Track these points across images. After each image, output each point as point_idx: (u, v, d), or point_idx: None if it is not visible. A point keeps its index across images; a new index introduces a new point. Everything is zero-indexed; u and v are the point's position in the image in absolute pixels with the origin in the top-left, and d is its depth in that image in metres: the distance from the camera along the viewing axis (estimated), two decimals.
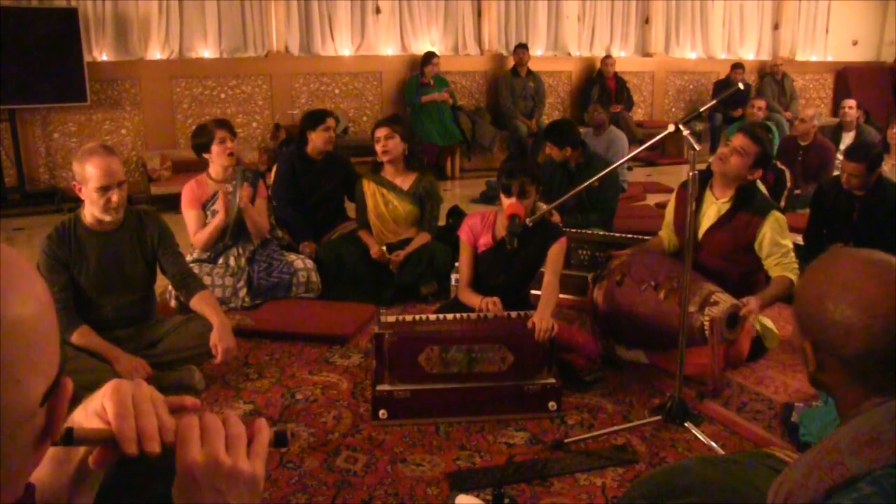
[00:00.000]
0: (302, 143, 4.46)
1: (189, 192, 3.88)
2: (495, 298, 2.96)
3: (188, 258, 3.88)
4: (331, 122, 4.46)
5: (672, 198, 3.51)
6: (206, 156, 3.88)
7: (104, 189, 2.68)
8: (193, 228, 3.86)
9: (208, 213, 3.86)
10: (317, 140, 4.39)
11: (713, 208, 3.24)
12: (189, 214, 3.87)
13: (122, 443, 0.75)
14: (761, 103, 6.99)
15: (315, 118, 4.42)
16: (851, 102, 7.02)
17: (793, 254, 3.11)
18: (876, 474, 0.96)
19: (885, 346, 1.05)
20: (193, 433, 0.77)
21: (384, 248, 4.04)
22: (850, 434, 1.03)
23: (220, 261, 3.87)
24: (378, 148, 4.10)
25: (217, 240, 3.87)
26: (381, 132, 4.10)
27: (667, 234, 3.52)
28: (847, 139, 6.65)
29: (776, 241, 3.08)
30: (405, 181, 4.17)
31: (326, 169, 4.45)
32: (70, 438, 0.72)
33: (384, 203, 4.16)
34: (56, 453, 0.83)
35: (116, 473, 1.21)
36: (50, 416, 0.67)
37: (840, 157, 6.17)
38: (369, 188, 4.17)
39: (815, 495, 1.02)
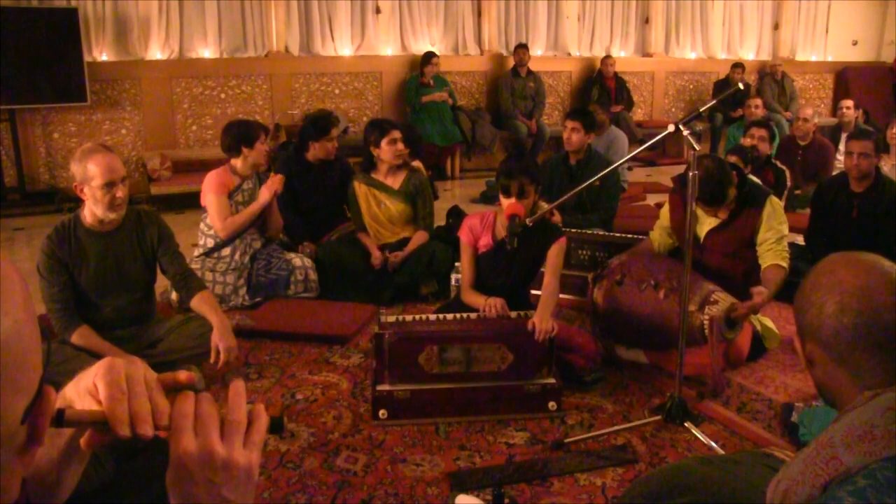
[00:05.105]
0: (302, 148, 4.45)
1: (217, 178, 3.87)
2: (501, 300, 2.95)
3: (197, 250, 3.93)
4: (334, 132, 4.45)
5: (666, 202, 3.51)
6: (245, 150, 3.86)
7: (109, 185, 2.68)
8: (222, 214, 3.82)
9: (232, 203, 3.88)
10: (319, 150, 4.38)
11: (709, 215, 3.25)
12: (217, 200, 3.83)
13: (114, 425, 0.73)
14: (758, 101, 7.01)
15: (319, 129, 4.38)
16: (849, 102, 7.05)
17: (786, 241, 3.11)
18: (870, 468, 0.97)
19: (855, 321, 1.09)
20: (187, 421, 0.75)
21: (387, 255, 4.03)
22: (844, 429, 1.05)
23: (227, 251, 3.88)
24: (394, 150, 4.08)
25: (246, 226, 3.87)
26: (398, 134, 4.11)
27: (658, 235, 3.51)
28: (845, 139, 6.67)
29: (771, 225, 3.09)
30: (395, 180, 4.17)
31: (325, 174, 4.45)
32: (61, 420, 0.71)
33: (377, 204, 4.17)
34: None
35: (116, 473, 1.20)
36: (32, 428, 0.65)
37: (840, 157, 6.18)
38: (361, 190, 4.17)
39: (813, 490, 1.03)
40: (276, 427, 0.83)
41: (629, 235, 3.98)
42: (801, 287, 1.20)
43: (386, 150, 4.09)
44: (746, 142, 4.96)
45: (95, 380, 0.76)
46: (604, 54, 8.74)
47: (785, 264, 3.02)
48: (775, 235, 3.08)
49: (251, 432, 0.78)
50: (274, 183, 3.89)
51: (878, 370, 1.08)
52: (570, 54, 9.00)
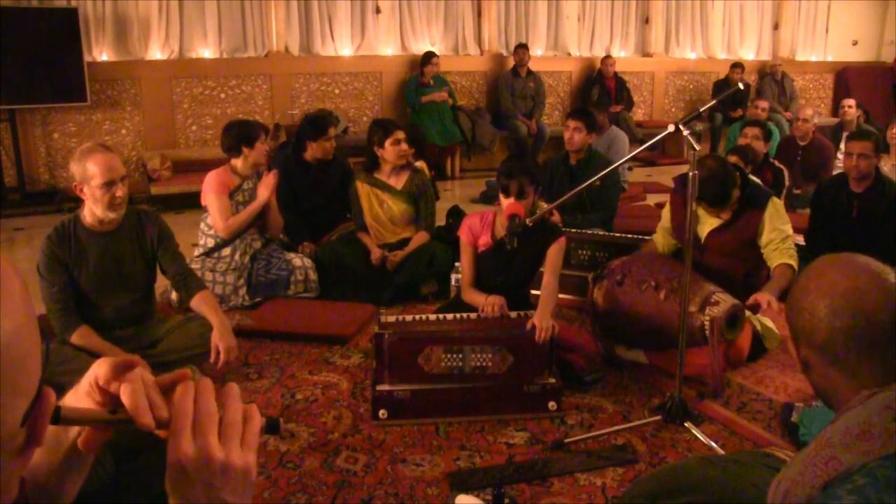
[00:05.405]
0: (299, 148, 4.44)
1: (217, 178, 3.87)
2: (501, 299, 2.95)
3: (197, 250, 3.93)
4: (332, 131, 4.45)
5: (667, 203, 3.52)
6: (246, 150, 3.87)
7: (109, 184, 2.68)
8: (223, 214, 3.81)
9: (233, 203, 3.88)
10: (316, 150, 4.39)
11: (711, 216, 3.25)
12: (218, 200, 3.83)
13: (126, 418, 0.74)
14: (764, 104, 7.01)
15: (317, 129, 4.38)
16: (851, 101, 7.06)
17: (791, 240, 3.12)
18: (869, 466, 0.97)
19: (848, 323, 1.09)
20: (186, 421, 0.74)
21: (386, 253, 4.03)
22: (842, 429, 1.05)
23: (227, 251, 3.88)
24: (398, 150, 4.07)
25: (247, 226, 3.87)
26: (402, 135, 4.10)
27: (661, 237, 3.52)
28: (846, 139, 6.67)
29: (775, 226, 3.11)
30: (398, 180, 4.17)
31: (323, 173, 4.45)
32: (58, 418, 0.71)
33: (379, 204, 4.16)
34: (48, 435, 0.82)
35: (116, 473, 1.20)
36: (32, 430, 0.65)
37: (840, 156, 6.18)
38: (363, 190, 4.17)
39: (812, 491, 1.03)
40: (271, 428, 0.82)
41: (629, 235, 3.98)
42: (791, 292, 1.20)
43: (390, 151, 4.09)
44: (741, 141, 4.97)
45: (94, 375, 0.77)
46: (604, 54, 8.75)
47: (793, 262, 3.03)
48: (780, 236, 3.09)
49: (245, 433, 0.78)
50: (269, 180, 3.89)
51: (874, 370, 1.09)
52: (570, 54, 9.00)
